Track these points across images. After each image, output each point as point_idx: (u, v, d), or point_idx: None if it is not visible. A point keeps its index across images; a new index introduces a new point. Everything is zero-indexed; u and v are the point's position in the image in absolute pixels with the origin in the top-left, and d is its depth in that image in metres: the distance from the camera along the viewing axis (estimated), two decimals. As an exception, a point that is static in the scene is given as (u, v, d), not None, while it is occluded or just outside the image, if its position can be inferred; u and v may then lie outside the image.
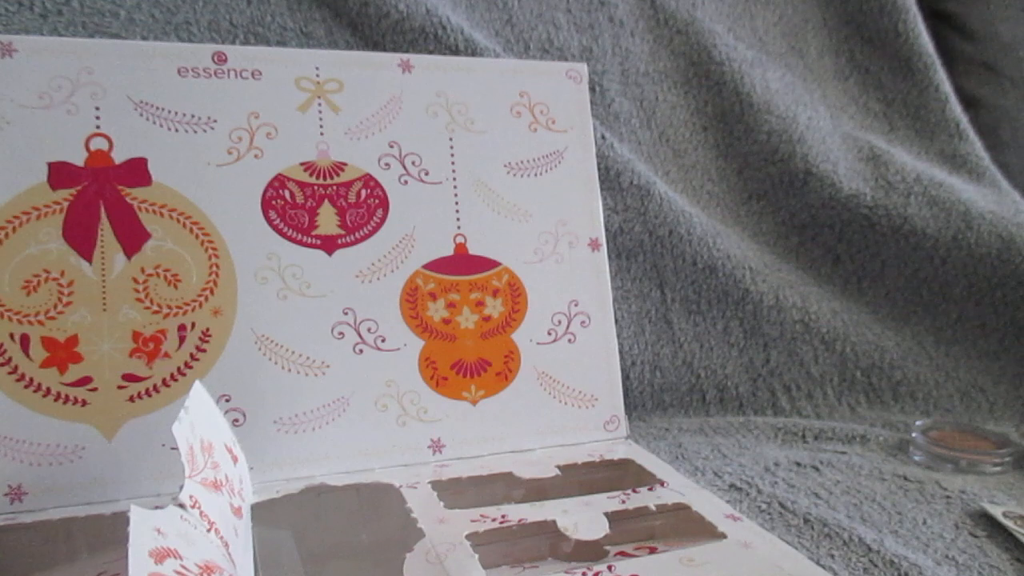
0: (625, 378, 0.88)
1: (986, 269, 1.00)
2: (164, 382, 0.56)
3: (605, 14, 1.00)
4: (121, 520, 0.48)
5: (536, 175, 0.67)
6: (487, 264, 0.65)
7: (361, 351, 0.60)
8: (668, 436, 0.85)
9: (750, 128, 1.02)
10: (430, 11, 0.87)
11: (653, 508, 0.53)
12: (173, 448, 0.55)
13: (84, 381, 0.55)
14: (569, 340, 0.66)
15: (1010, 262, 0.99)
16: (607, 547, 0.52)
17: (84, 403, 0.54)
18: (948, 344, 1.01)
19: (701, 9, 1.05)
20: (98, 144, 0.56)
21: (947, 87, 1.15)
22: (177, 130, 0.58)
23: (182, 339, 0.57)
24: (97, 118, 0.57)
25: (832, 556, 0.59)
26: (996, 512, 0.66)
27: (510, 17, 0.95)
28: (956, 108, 1.15)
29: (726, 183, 1.02)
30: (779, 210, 1.02)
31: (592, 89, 0.96)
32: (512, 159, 0.66)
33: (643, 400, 0.93)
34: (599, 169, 0.88)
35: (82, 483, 0.54)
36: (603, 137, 0.93)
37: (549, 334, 0.66)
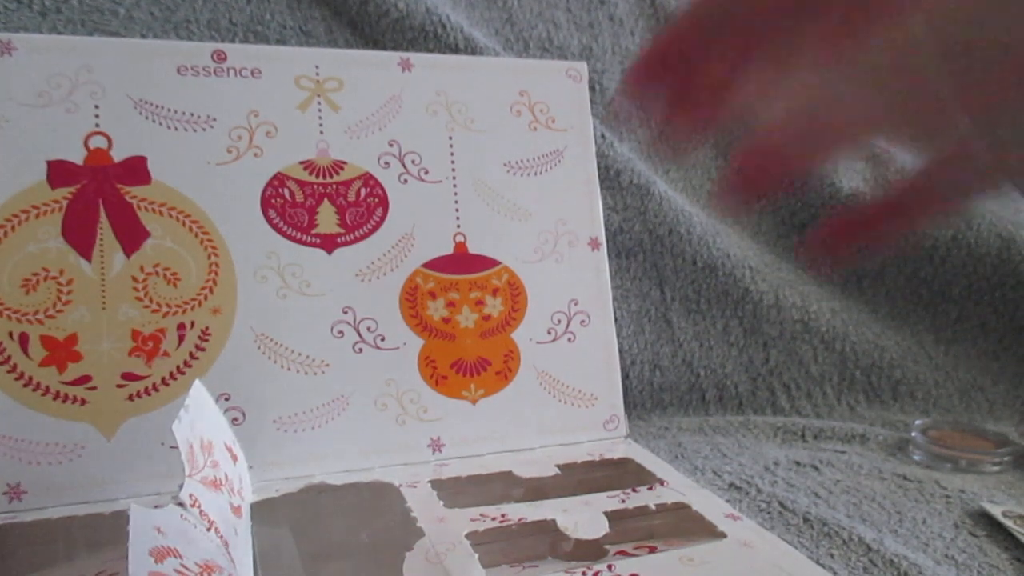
0: (624, 377, 0.87)
1: (986, 269, 1.00)
2: (163, 381, 0.56)
3: (605, 13, 1.00)
4: (120, 519, 0.49)
5: (536, 174, 0.67)
6: (487, 263, 0.65)
7: (361, 350, 0.60)
8: (667, 435, 0.84)
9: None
10: (430, 9, 0.87)
11: (653, 507, 0.53)
12: (172, 447, 0.53)
13: (83, 380, 0.55)
14: (569, 339, 0.66)
15: (1010, 261, 0.99)
16: (607, 546, 0.52)
17: (83, 402, 0.54)
18: (947, 343, 1.01)
19: None
20: (97, 143, 0.56)
21: None
22: (176, 129, 0.58)
23: (181, 338, 0.57)
24: (96, 116, 0.57)
25: (832, 555, 0.59)
26: (995, 511, 0.66)
27: (510, 16, 0.95)
28: None
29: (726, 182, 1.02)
30: (779, 209, 1.03)
31: (592, 88, 0.95)
32: (512, 158, 0.66)
33: (642, 399, 0.93)
34: (599, 168, 0.88)
35: (81, 482, 0.54)
36: (603, 136, 0.93)
37: (549, 333, 0.66)
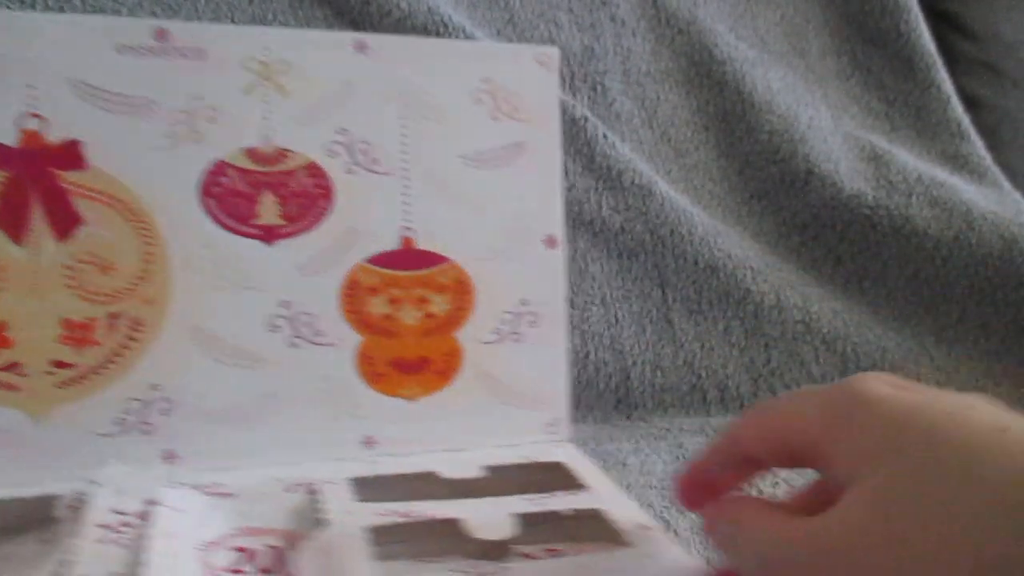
0: (626, 378, 0.85)
1: (987, 269, 0.95)
2: (94, 369, 0.52)
3: (607, 13, 0.95)
4: (43, 504, 0.47)
5: (494, 167, 0.61)
6: (434, 259, 0.60)
7: (297, 345, 0.56)
8: (669, 436, 0.80)
9: (751, 128, 0.98)
10: (432, 9, 0.83)
11: (566, 512, 0.49)
12: (101, 435, 0.52)
13: (13, 366, 0.51)
14: (516, 340, 0.61)
15: (1011, 262, 0.94)
16: (511, 547, 0.47)
17: (13, 388, 0.51)
18: (949, 344, 0.97)
19: (703, 9, 1.01)
20: (32, 125, 0.52)
21: (949, 87, 1.10)
22: (115, 112, 0.54)
23: (113, 327, 0.53)
24: (32, 97, 0.52)
25: None
26: None
27: (511, 16, 0.91)
28: (958, 108, 1.09)
29: (727, 183, 0.98)
30: (780, 210, 0.98)
31: (593, 88, 0.92)
32: (469, 150, 0.61)
33: (644, 400, 0.88)
34: (601, 168, 0.82)
35: (8, 467, 0.50)
36: (604, 136, 0.88)
37: (495, 333, 0.61)
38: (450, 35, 0.82)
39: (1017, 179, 1.08)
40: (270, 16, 0.80)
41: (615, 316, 0.86)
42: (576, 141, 0.85)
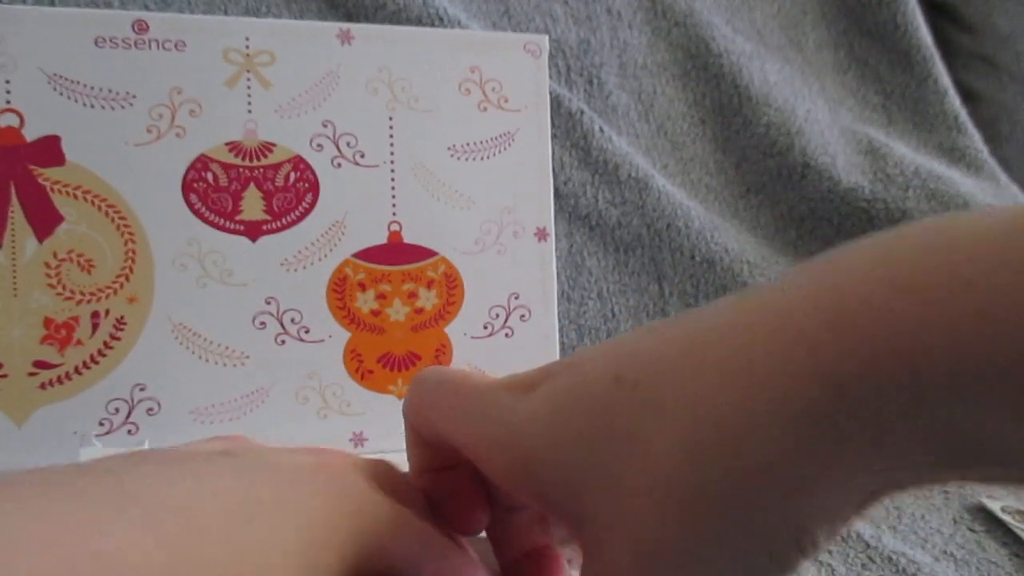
0: None
1: None
2: (76, 370, 0.51)
3: (603, 5, 0.93)
4: None
5: (483, 159, 0.59)
6: (423, 254, 0.58)
7: (283, 342, 0.55)
8: None
9: (748, 121, 0.96)
10: (427, 2, 0.80)
11: None
12: (85, 436, 0.51)
13: None
14: (506, 335, 0.59)
15: None
16: None
17: None
18: None
19: (699, 1, 1.00)
20: (8, 120, 0.50)
21: (946, 80, 1.09)
22: (93, 106, 0.52)
23: (95, 326, 0.51)
24: (7, 92, 0.50)
25: (829, 552, 0.55)
26: (994, 507, 0.62)
27: (507, 9, 0.89)
28: (955, 101, 1.08)
29: (724, 176, 0.96)
30: (777, 203, 0.96)
31: (589, 82, 0.90)
32: (457, 141, 0.59)
33: None
34: (597, 162, 0.80)
35: (-12, 471, 0.48)
36: (601, 130, 0.86)
37: (485, 328, 0.59)
38: (445, 28, 0.80)
39: (1014, 172, 1.07)
40: (264, 8, 0.78)
41: (612, 310, 0.84)
42: (572, 134, 0.83)
